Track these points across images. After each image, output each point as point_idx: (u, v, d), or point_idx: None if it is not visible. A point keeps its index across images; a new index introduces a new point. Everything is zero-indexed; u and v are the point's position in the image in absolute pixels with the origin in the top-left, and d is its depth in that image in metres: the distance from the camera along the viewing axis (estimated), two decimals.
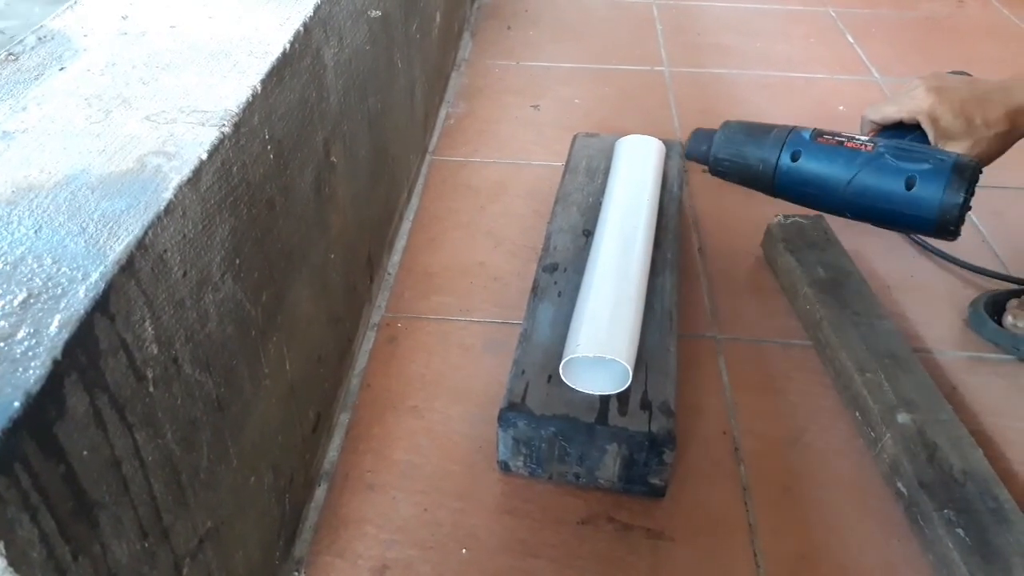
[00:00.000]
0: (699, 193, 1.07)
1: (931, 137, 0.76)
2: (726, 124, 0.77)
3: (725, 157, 0.75)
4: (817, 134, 0.73)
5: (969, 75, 0.84)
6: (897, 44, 1.51)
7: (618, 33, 1.52)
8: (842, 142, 0.72)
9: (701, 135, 0.78)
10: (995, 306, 0.86)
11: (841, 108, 1.28)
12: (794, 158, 0.72)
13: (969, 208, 0.69)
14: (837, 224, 0.94)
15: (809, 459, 0.73)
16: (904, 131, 0.80)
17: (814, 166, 0.71)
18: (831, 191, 0.71)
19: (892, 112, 0.80)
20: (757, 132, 0.75)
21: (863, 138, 0.73)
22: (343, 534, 0.66)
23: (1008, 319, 0.84)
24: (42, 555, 0.31)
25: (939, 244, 0.94)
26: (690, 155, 0.78)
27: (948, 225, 0.69)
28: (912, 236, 0.97)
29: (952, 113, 0.75)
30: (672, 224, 0.89)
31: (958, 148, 0.75)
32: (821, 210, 0.81)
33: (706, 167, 0.78)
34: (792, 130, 0.74)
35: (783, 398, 0.79)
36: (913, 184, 0.67)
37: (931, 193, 0.68)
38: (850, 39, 1.51)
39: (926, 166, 0.68)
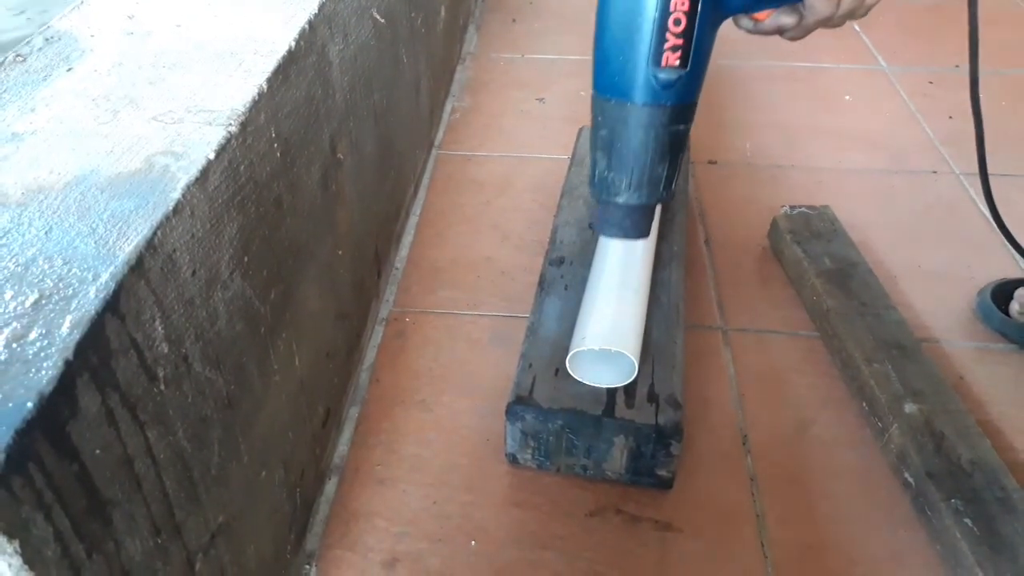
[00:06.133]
0: (705, 185, 1.07)
1: None
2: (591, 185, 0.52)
3: (627, 172, 0.49)
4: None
5: None
6: (903, 32, 1.50)
7: None
8: None
9: (603, 208, 0.52)
10: (1002, 296, 0.86)
11: (847, 98, 1.28)
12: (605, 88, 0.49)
13: None
14: (843, 215, 0.94)
15: (816, 450, 0.73)
16: None
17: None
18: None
19: None
20: (596, 130, 0.51)
21: None
22: (354, 527, 0.67)
23: (1015, 308, 0.83)
24: (56, 553, 0.32)
25: (947, 234, 0.93)
26: (609, 226, 0.53)
27: None
28: None
29: None
30: (678, 216, 0.89)
31: None
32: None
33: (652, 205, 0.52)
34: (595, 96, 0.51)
35: (790, 389, 0.79)
36: None
37: None
38: (856, 27, 1.50)
39: None
